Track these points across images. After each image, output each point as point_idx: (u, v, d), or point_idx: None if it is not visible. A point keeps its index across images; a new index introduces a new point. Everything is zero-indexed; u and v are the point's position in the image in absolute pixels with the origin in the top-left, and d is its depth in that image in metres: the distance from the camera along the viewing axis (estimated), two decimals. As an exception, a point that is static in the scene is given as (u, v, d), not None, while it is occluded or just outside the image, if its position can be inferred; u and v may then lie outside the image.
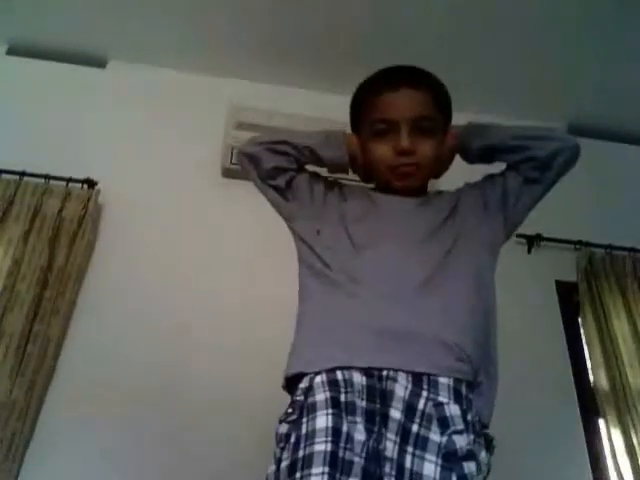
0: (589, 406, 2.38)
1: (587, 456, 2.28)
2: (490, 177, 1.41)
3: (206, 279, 2.39)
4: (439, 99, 1.39)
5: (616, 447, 2.24)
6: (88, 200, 2.42)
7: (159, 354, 2.21)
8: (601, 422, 2.35)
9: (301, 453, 1.02)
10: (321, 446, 1.01)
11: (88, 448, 2.05)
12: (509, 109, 3.02)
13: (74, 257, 2.31)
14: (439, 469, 0.99)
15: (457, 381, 1.11)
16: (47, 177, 2.44)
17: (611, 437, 2.27)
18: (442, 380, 1.10)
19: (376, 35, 2.63)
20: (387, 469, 1.01)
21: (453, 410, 1.06)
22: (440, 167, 1.43)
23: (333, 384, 1.10)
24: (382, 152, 1.35)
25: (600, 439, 2.34)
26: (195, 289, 2.37)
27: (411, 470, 0.99)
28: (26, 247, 2.28)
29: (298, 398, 1.12)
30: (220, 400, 2.15)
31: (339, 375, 1.11)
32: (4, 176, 2.43)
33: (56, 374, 2.14)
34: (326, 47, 2.73)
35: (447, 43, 2.70)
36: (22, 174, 2.43)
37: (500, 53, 2.75)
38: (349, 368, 1.11)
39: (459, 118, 3.17)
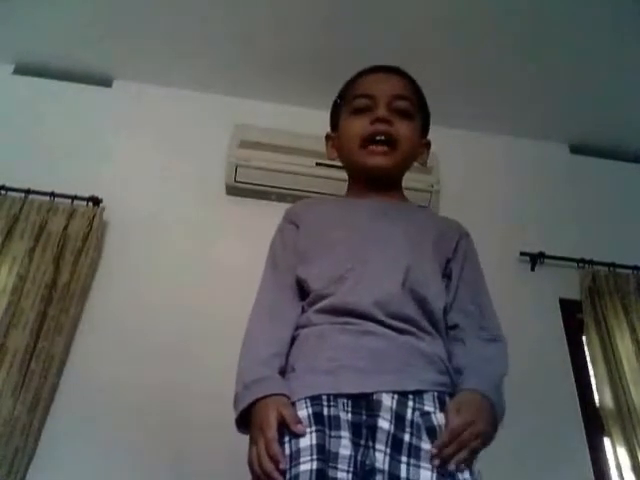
0: (594, 424, 2.36)
1: (592, 475, 2.26)
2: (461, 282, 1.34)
3: (210, 296, 2.38)
4: (418, 94, 1.44)
5: (622, 465, 2.22)
6: (93, 218, 2.43)
7: (162, 372, 2.20)
8: (606, 440, 2.33)
9: (287, 475, 0.99)
10: (307, 465, 0.98)
11: (90, 465, 2.04)
12: (510, 129, 3.03)
13: (78, 274, 2.31)
14: (436, 475, 0.98)
15: (440, 392, 1.12)
16: (52, 195, 2.45)
17: (617, 455, 2.25)
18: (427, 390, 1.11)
19: (379, 55, 2.64)
20: None
21: (440, 419, 1.06)
22: (409, 164, 1.45)
23: (316, 398, 1.08)
24: (357, 125, 1.37)
25: (605, 457, 2.31)
26: (198, 306, 2.36)
27: (407, 479, 0.98)
28: (31, 264, 2.28)
29: None
30: (223, 420, 2.13)
31: None
32: (9, 194, 2.44)
33: (59, 391, 2.13)
34: (329, 66, 2.75)
35: (448, 62, 2.72)
36: (27, 192, 2.44)
37: (500, 72, 2.76)
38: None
39: (459, 137, 3.17)
